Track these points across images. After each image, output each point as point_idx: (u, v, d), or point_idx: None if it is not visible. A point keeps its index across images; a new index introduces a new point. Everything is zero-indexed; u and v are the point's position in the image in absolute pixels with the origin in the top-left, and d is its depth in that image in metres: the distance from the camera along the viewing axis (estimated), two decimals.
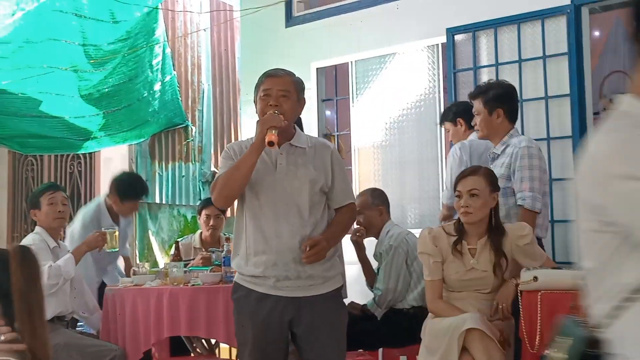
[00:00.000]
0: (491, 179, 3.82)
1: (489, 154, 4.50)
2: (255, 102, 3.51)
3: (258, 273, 3.38)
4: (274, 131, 3.22)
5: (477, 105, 4.39)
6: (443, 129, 5.33)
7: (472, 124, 4.53)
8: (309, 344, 3.41)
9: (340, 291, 3.59)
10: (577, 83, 5.12)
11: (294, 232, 3.36)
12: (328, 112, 6.90)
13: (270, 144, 3.21)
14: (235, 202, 3.53)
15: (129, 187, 5.46)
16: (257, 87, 3.49)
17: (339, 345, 3.49)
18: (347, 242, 4.64)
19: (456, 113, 5.11)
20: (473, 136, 4.97)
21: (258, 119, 3.42)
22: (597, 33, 8.00)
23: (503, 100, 4.37)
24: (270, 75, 3.48)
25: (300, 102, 3.53)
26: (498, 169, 4.25)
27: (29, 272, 2.29)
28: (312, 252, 3.31)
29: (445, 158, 5.94)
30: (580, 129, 5.09)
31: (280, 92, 3.41)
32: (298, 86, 3.51)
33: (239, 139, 8.27)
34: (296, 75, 3.57)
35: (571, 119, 5.13)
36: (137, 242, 7.60)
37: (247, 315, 3.45)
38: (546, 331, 3.17)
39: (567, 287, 3.23)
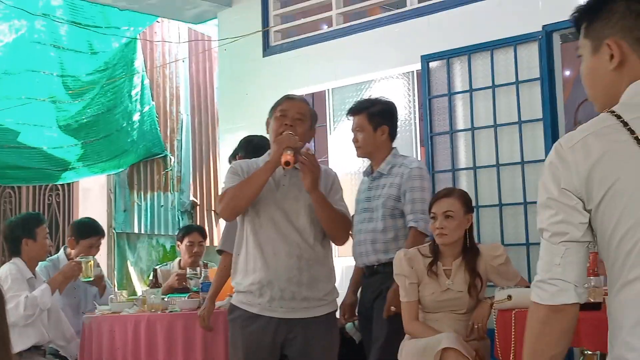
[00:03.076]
0: (465, 200, 3.87)
1: (365, 172, 4.38)
2: (267, 123, 3.62)
3: (254, 289, 3.42)
4: (289, 151, 3.29)
5: (360, 121, 4.24)
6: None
7: (353, 140, 4.33)
8: None
9: (335, 315, 3.62)
10: (549, 107, 5.19)
11: (291, 252, 3.42)
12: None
13: (287, 163, 3.30)
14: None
15: (83, 226, 5.48)
16: (273, 107, 3.61)
17: None
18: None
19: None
20: None
21: (271, 138, 3.54)
22: (570, 61, 8.12)
23: (388, 117, 4.28)
24: (290, 98, 3.65)
25: (311, 132, 3.65)
26: (387, 189, 4.16)
27: None
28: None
29: None
30: None
31: (297, 115, 3.53)
32: (313, 116, 3.67)
33: (218, 169, 8.29)
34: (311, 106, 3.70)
35: (544, 143, 5.20)
36: (115, 272, 7.58)
37: (239, 335, 3.48)
38: (520, 349, 3.19)
39: None
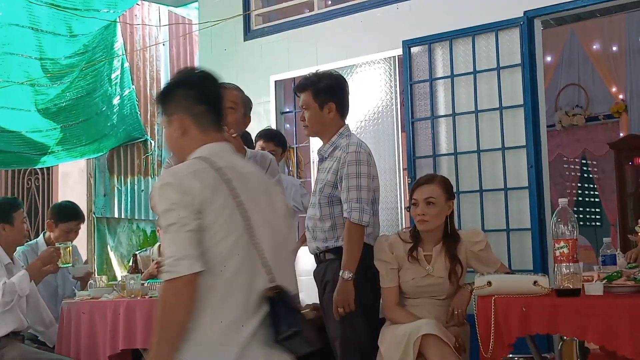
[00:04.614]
0: (446, 187, 3.87)
1: (317, 153, 4.19)
2: None
3: None
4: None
5: (306, 99, 4.00)
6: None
7: (301, 119, 4.13)
8: None
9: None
10: (530, 94, 5.19)
11: None
12: (287, 125, 6.91)
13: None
14: None
15: (62, 210, 5.42)
16: None
17: None
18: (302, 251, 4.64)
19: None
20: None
21: None
22: (552, 47, 8.14)
23: (335, 93, 4.03)
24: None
25: (246, 119, 3.56)
26: (324, 174, 3.99)
27: None
28: None
29: (404, 169, 5.98)
30: (534, 139, 5.16)
31: (229, 103, 3.41)
32: (245, 103, 3.57)
33: None
34: (244, 93, 3.59)
35: (525, 129, 5.21)
36: (95, 257, 7.54)
37: None
38: (499, 335, 3.21)
39: (519, 292, 3.27)
